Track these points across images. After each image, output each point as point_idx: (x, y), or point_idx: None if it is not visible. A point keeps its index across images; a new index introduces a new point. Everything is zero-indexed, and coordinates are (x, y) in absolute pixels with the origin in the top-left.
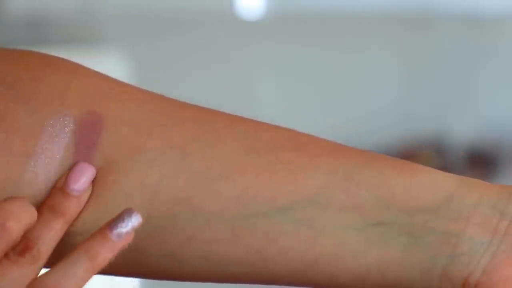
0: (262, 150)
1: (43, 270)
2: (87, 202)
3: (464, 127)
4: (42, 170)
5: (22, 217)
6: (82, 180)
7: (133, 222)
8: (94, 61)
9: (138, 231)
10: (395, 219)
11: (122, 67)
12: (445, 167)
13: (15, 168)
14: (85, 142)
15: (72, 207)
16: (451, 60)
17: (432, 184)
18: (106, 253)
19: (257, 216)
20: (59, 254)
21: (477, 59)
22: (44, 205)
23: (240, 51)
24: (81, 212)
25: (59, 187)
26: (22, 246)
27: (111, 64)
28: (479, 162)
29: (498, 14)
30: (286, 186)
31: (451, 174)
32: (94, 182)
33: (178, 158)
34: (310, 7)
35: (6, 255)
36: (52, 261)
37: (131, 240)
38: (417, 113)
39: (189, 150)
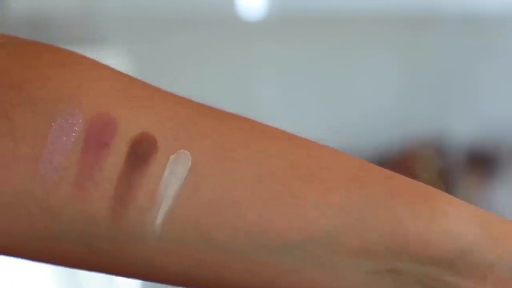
0: (275, 178)
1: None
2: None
3: (464, 127)
4: (48, 170)
5: None
6: None
7: None
8: None
9: (150, 249)
10: (408, 268)
11: (122, 67)
12: (445, 167)
13: (25, 175)
14: (96, 141)
15: None
16: (451, 60)
17: (451, 233)
18: None
19: (266, 250)
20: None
21: (477, 59)
22: None
23: (241, 51)
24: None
25: None
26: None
27: (111, 64)
28: (479, 162)
29: (498, 14)
30: (296, 223)
31: (473, 216)
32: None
33: (191, 181)
34: (311, 7)
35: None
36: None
37: None
38: (417, 113)
39: (201, 172)
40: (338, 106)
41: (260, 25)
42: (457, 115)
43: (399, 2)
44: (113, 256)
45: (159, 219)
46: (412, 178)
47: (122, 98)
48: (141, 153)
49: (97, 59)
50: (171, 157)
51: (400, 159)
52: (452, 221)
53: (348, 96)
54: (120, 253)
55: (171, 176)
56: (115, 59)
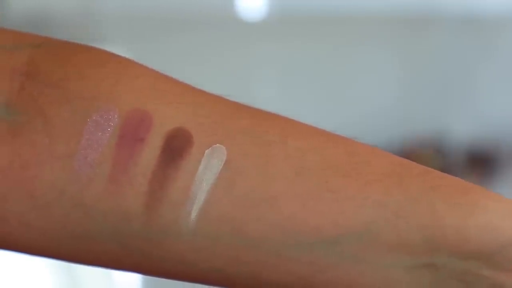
0: (311, 173)
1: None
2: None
3: (463, 127)
4: (82, 166)
5: None
6: None
7: None
8: None
9: (183, 245)
10: (446, 263)
11: None
12: (445, 167)
13: (58, 173)
14: (131, 136)
15: None
16: (451, 60)
17: (490, 227)
18: None
19: (302, 246)
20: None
21: (477, 59)
22: None
23: (241, 51)
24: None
25: None
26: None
27: None
28: (479, 162)
29: (498, 14)
30: (333, 218)
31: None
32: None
33: (226, 176)
34: (311, 7)
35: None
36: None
37: None
38: (417, 113)
39: (237, 167)
40: (338, 106)
41: (260, 25)
42: (457, 115)
43: (399, 2)
44: (146, 253)
45: (193, 214)
46: None
47: (158, 94)
48: (176, 147)
49: None
50: (206, 151)
51: None
52: (491, 214)
53: (348, 96)
54: (153, 250)
55: (206, 170)
56: None
